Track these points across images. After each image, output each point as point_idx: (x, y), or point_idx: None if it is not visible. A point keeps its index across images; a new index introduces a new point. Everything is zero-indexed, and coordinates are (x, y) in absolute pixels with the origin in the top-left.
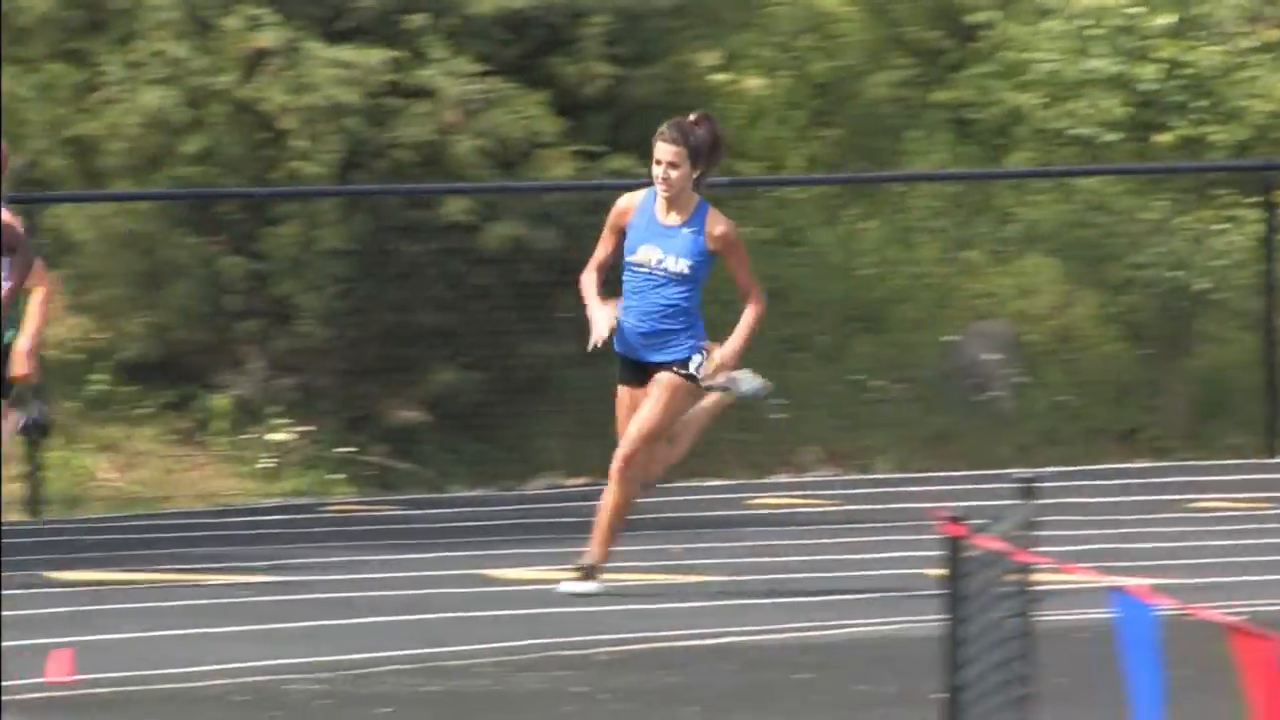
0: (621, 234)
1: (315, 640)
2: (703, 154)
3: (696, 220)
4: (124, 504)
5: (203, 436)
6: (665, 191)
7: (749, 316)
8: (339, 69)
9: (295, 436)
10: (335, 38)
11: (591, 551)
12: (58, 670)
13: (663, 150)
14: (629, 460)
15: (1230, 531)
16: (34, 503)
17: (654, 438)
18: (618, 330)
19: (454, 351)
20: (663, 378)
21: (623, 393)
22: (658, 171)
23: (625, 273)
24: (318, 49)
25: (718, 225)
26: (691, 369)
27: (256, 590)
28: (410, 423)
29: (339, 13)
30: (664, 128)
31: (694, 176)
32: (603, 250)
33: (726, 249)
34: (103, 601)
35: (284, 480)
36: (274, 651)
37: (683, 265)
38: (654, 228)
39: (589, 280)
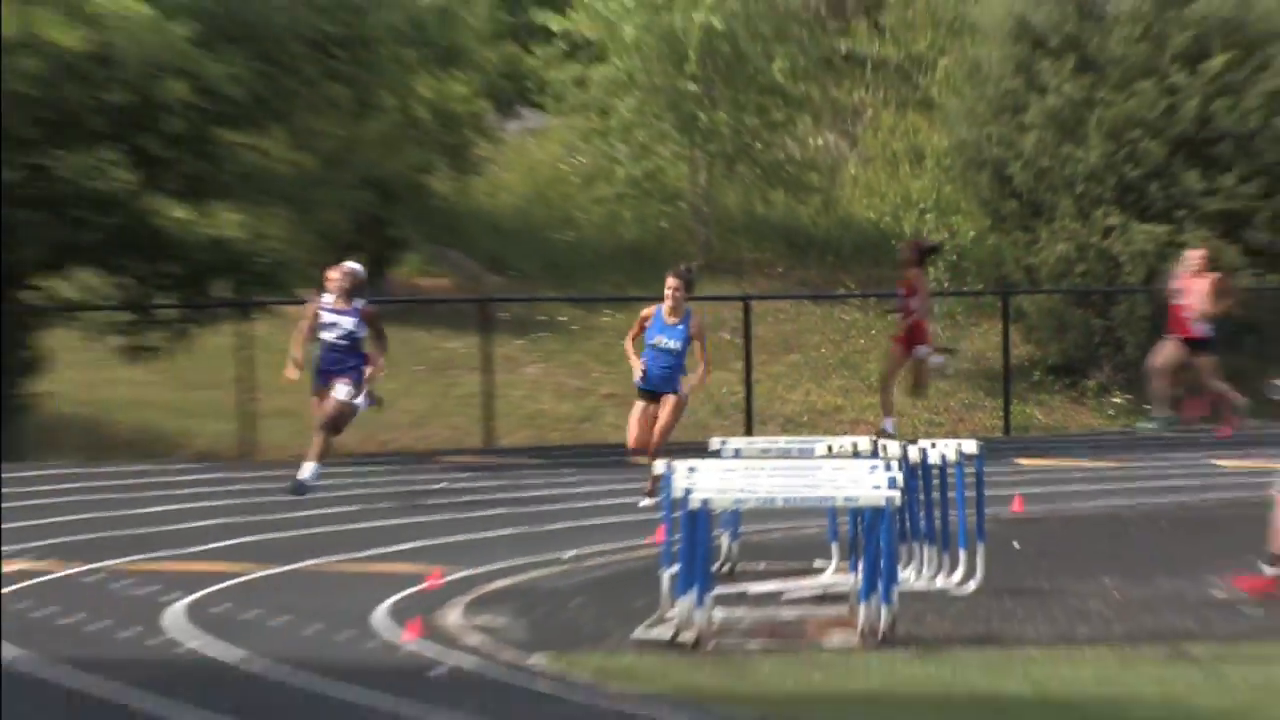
0: (643, 328)
1: None
2: (693, 284)
3: (685, 320)
4: None
5: None
6: (670, 304)
7: (702, 371)
8: None
9: None
10: None
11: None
12: None
13: (671, 283)
14: (654, 447)
15: None
16: None
17: (669, 432)
18: (645, 375)
19: None
20: (669, 398)
21: (639, 407)
22: (669, 293)
23: (647, 350)
24: None
25: (694, 321)
26: (683, 392)
27: None
28: None
29: None
30: (673, 269)
31: (687, 297)
32: (634, 332)
33: (697, 334)
34: None
35: None
36: None
37: (676, 345)
38: (660, 324)
39: (629, 345)
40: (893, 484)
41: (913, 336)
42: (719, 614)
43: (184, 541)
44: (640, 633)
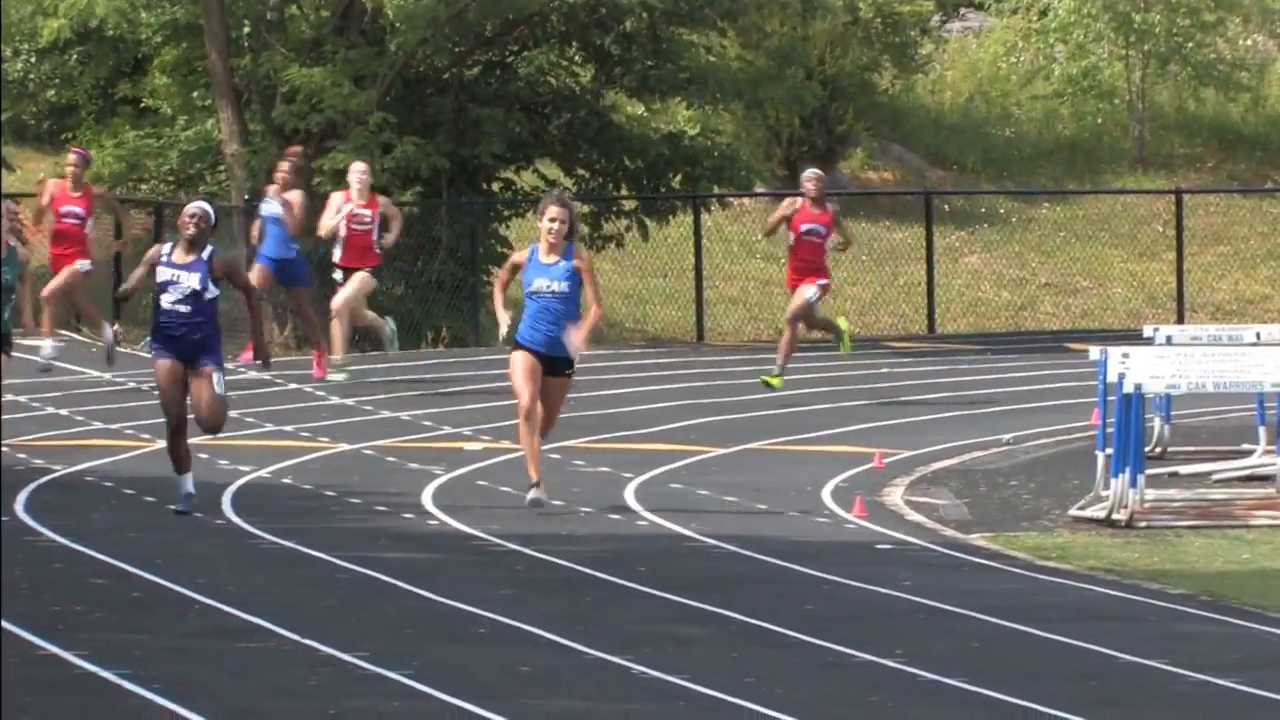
0: (514, 274)
1: None
2: (576, 221)
3: (568, 256)
4: None
5: None
6: (551, 240)
7: (594, 313)
8: None
9: None
10: None
11: (533, 473)
12: None
13: (555, 212)
14: (543, 429)
15: None
16: None
17: (557, 414)
18: (526, 330)
19: None
20: (559, 380)
21: (524, 363)
22: (550, 225)
23: (528, 301)
24: None
25: (579, 255)
26: (576, 359)
27: None
28: None
29: None
30: (556, 196)
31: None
32: (503, 278)
33: (586, 268)
34: None
35: None
36: None
37: (562, 287)
38: (537, 266)
39: (498, 295)
40: None
41: None
42: (1150, 494)
43: (637, 423)
44: (1075, 512)
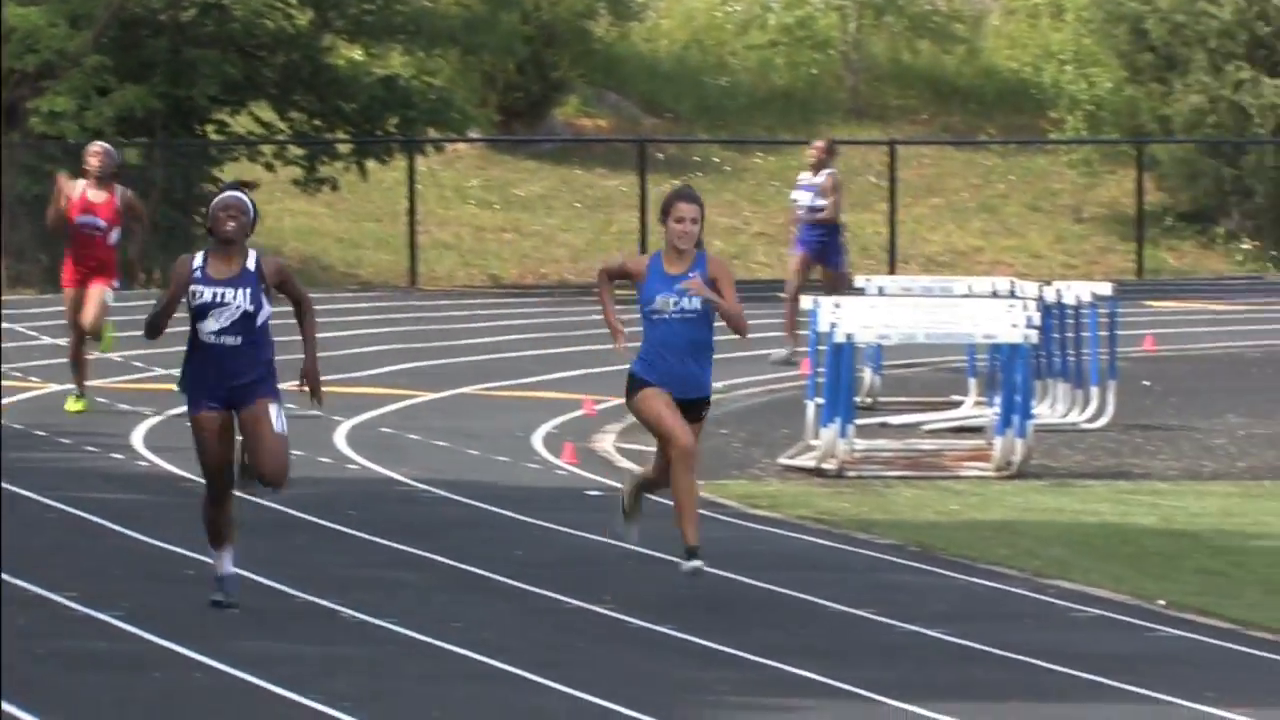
0: (616, 277)
1: None
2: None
3: (700, 264)
4: None
5: None
6: (678, 246)
7: (730, 310)
8: None
9: None
10: None
11: (691, 535)
12: None
13: (685, 210)
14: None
15: None
16: None
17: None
18: (654, 366)
19: None
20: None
21: (663, 400)
22: (675, 228)
23: (647, 327)
24: None
25: (713, 262)
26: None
27: None
28: None
29: None
30: (685, 191)
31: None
32: (605, 278)
33: (720, 275)
34: None
35: None
36: None
37: (695, 305)
38: (660, 278)
39: (604, 298)
40: (1030, 323)
41: None
42: (860, 444)
43: (349, 366)
44: (785, 461)
